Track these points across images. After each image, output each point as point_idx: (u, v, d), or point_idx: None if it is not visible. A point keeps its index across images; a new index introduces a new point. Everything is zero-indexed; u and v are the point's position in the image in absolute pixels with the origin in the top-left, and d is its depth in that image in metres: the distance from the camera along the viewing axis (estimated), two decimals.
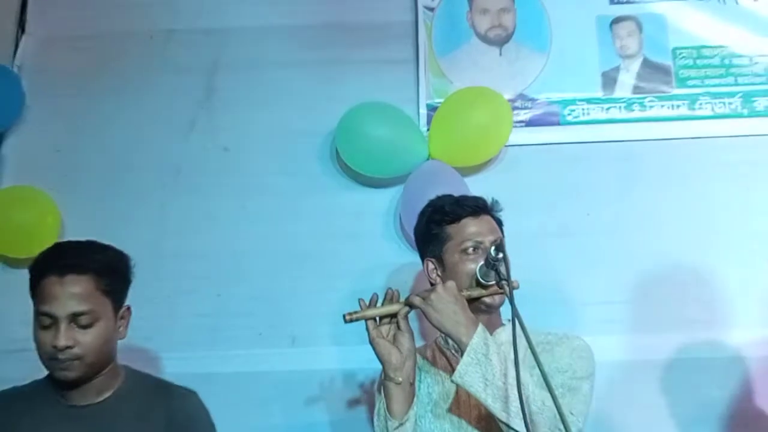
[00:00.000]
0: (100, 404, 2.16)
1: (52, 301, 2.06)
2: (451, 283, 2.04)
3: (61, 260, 2.11)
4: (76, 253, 2.14)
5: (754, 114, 3.16)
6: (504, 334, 2.17)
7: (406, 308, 2.07)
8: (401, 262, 3.01)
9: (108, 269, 2.15)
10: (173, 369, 2.63)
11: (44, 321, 2.07)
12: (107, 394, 2.18)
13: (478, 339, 1.93)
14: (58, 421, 2.14)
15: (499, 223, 2.31)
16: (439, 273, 2.23)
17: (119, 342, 2.24)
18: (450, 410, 2.12)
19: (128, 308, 2.23)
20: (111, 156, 3.27)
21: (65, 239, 2.84)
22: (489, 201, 2.31)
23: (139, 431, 2.16)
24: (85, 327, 2.07)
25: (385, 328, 2.09)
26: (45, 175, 3.20)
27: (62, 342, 2.04)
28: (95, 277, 2.10)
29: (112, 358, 2.20)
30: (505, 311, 2.06)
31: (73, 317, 2.06)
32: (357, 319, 2.06)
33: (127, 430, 2.16)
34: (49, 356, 2.07)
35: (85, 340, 2.07)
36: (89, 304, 2.08)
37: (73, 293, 2.06)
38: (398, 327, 2.08)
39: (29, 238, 2.93)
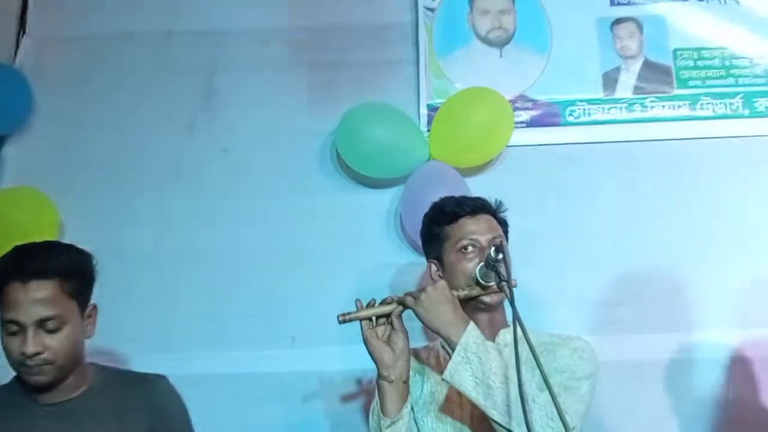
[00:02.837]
0: (74, 400, 2.16)
1: (17, 308, 2.02)
2: (441, 283, 2.05)
3: (23, 266, 2.06)
4: (39, 257, 2.10)
5: (755, 115, 3.16)
6: (508, 335, 2.16)
7: (400, 308, 2.08)
8: (402, 262, 3.02)
9: (71, 271, 2.11)
10: (172, 370, 2.62)
11: (11, 328, 2.04)
12: (80, 391, 2.18)
13: (467, 337, 1.93)
14: (34, 420, 2.13)
15: (503, 224, 2.31)
16: (441, 274, 2.24)
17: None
18: (450, 412, 2.12)
19: (94, 306, 2.21)
20: (110, 157, 3.27)
21: (64, 240, 2.85)
22: (492, 201, 2.31)
23: (118, 423, 2.16)
24: (52, 331, 2.05)
25: (380, 329, 2.10)
26: (44, 175, 3.19)
27: (30, 349, 2.02)
28: (59, 280, 2.07)
29: (82, 358, 2.19)
30: (509, 312, 2.06)
31: (40, 323, 2.03)
32: (351, 320, 2.07)
33: (105, 423, 2.15)
34: (18, 363, 2.05)
35: (54, 344, 2.05)
36: (55, 308, 2.05)
37: (37, 299, 2.03)
38: (392, 326, 2.09)
39: (28, 239, 2.91)
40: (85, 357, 2.22)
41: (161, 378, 2.30)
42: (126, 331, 2.87)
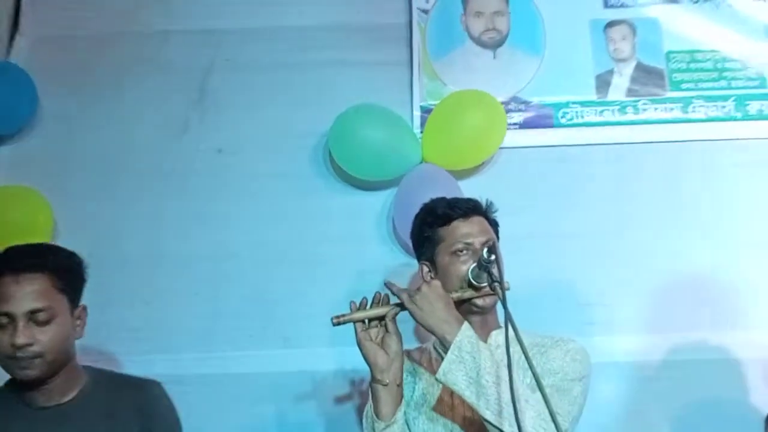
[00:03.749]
0: (66, 404, 2.17)
1: (9, 299, 2.06)
2: (436, 282, 2.05)
3: (15, 260, 2.12)
4: (30, 253, 2.15)
5: (747, 117, 3.17)
6: (500, 336, 2.15)
7: (394, 310, 2.08)
8: (394, 264, 3.02)
9: (62, 267, 2.16)
10: (166, 370, 2.62)
11: (1, 321, 2.06)
12: (72, 394, 2.19)
13: (462, 337, 1.93)
14: (26, 424, 2.14)
15: (494, 224, 2.32)
16: (433, 276, 2.23)
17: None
18: (442, 412, 2.12)
19: (84, 307, 2.23)
20: (104, 156, 3.27)
21: (57, 239, 2.86)
22: (483, 203, 2.31)
23: (109, 428, 2.17)
24: (42, 324, 2.08)
25: (373, 331, 2.10)
26: (38, 174, 3.18)
27: (21, 340, 2.04)
28: (50, 275, 2.12)
29: (71, 357, 2.21)
30: (502, 313, 2.06)
31: (31, 315, 2.07)
32: (345, 322, 2.07)
33: (97, 427, 2.16)
34: (8, 356, 2.07)
35: (44, 338, 2.08)
36: (46, 300, 2.09)
37: (29, 291, 2.07)
38: (386, 329, 2.09)
39: (21, 238, 2.90)
40: (77, 359, 2.23)
41: (155, 384, 2.31)
42: (119, 331, 2.88)
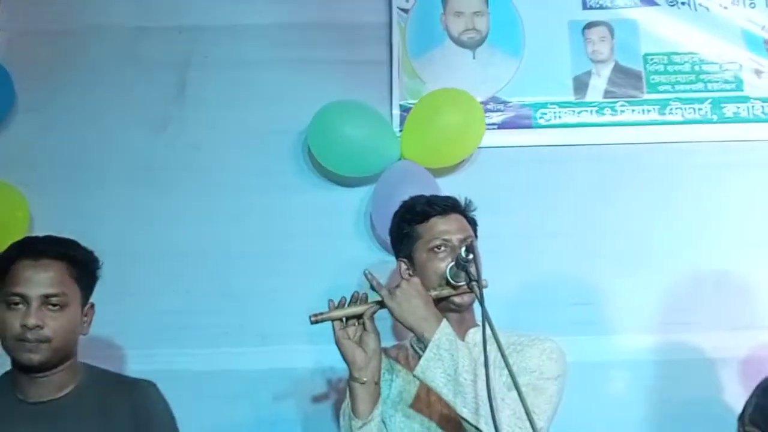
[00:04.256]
0: (61, 400, 2.17)
1: (26, 282, 2.10)
2: (415, 279, 2.06)
3: (35, 246, 2.18)
4: (51, 242, 2.21)
5: (723, 120, 3.20)
6: (478, 334, 2.16)
7: (372, 308, 2.09)
8: (372, 261, 3.00)
9: (79, 260, 2.21)
10: (139, 366, 2.62)
11: (14, 300, 2.10)
12: (67, 390, 2.18)
13: (440, 334, 1.94)
14: (20, 418, 2.14)
15: (473, 223, 2.33)
16: (411, 273, 2.24)
17: (85, 338, 2.24)
18: (419, 409, 2.13)
19: (92, 305, 2.27)
20: (81, 152, 3.24)
21: (33, 234, 2.83)
22: (462, 201, 2.32)
23: (102, 426, 2.17)
24: (55, 310, 2.11)
25: (351, 329, 2.11)
26: (15, 169, 3.15)
27: (32, 321, 2.07)
28: (68, 264, 2.17)
29: (74, 353, 2.22)
30: (479, 311, 2.07)
31: (45, 299, 2.10)
32: (323, 320, 2.08)
33: (90, 426, 2.16)
34: (16, 337, 2.09)
35: (54, 323, 2.11)
36: (61, 287, 2.13)
37: (46, 276, 2.13)
38: (364, 327, 2.09)
39: None
40: (78, 355, 2.25)
41: (151, 385, 2.31)
42: (93, 327, 2.86)
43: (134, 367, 2.66)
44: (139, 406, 2.23)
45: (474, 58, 3.30)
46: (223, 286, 3.06)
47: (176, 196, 3.18)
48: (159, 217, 3.15)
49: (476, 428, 1.88)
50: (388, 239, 2.42)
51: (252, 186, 3.16)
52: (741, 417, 2.27)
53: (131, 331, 2.98)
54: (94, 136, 3.26)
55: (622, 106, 3.22)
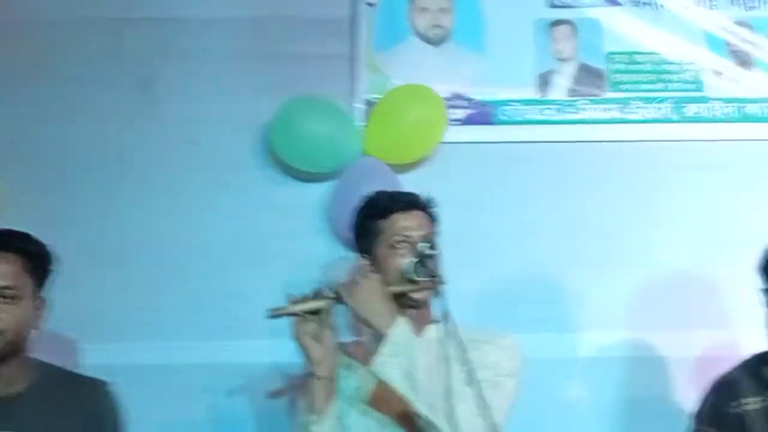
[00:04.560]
0: (13, 396, 2.14)
1: None
2: (374, 276, 2.06)
3: None
4: (6, 235, 2.20)
5: (683, 120, 3.23)
6: (435, 330, 2.18)
7: (331, 304, 2.08)
8: (333, 257, 3.01)
9: (35, 254, 2.19)
10: (95, 360, 2.60)
11: None
12: (19, 387, 2.16)
13: (398, 331, 1.94)
14: None
15: (434, 220, 2.32)
16: (371, 268, 2.23)
17: (41, 331, 2.22)
18: (375, 406, 2.12)
19: (44, 300, 2.23)
20: (53, 144, 3.21)
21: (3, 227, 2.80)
22: (423, 197, 2.32)
23: (54, 424, 2.14)
24: (8, 303, 2.09)
25: (310, 325, 2.09)
26: None
27: None
28: (23, 257, 2.15)
29: (25, 347, 2.19)
30: (437, 308, 2.08)
31: None
32: (281, 315, 2.06)
33: (41, 424, 2.13)
34: None
35: (7, 316, 2.08)
36: (15, 280, 2.12)
37: (1, 268, 2.10)
38: (323, 323, 2.08)
39: None
40: (29, 351, 2.22)
41: (104, 384, 2.29)
42: (57, 321, 2.82)
43: (90, 361, 2.63)
44: (92, 406, 2.22)
45: (439, 54, 3.31)
46: (184, 281, 3.05)
47: (138, 191, 3.16)
48: (123, 210, 3.14)
49: (433, 424, 1.88)
50: (348, 236, 2.41)
51: (213, 180, 3.15)
52: (696, 416, 2.29)
53: (88, 325, 2.95)
54: (65, 130, 3.22)
55: (585, 104, 3.24)
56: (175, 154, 3.20)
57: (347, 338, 2.33)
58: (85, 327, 2.94)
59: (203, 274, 3.05)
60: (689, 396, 2.50)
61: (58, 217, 3.02)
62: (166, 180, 3.17)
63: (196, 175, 3.17)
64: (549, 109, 3.25)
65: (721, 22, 3.32)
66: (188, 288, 3.04)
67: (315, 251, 3.05)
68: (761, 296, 2.19)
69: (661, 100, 3.23)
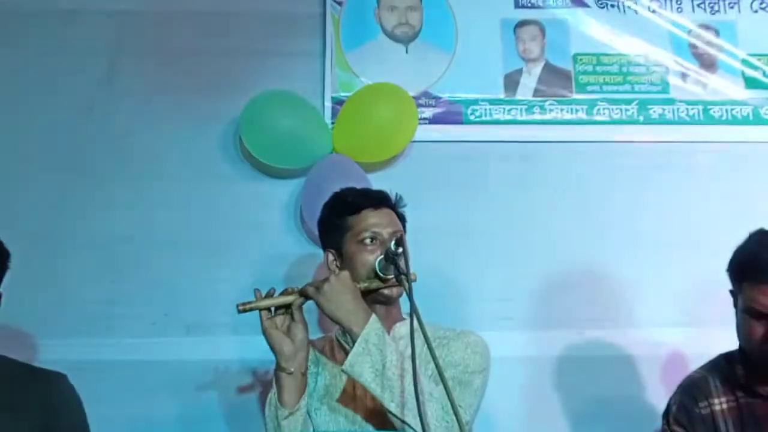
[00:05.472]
0: None
1: None
2: (344, 273, 2.06)
3: None
4: None
5: (649, 121, 3.27)
6: (404, 328, 2.19)
7: (301, 299, 2.07)
8: (300, 253, 3.02)
9: None
10: (60, 355, 2.57)
11: None
12: None
13: (369, 329, 1.95)
14: None
15: (402, 218, 2.33)
16: (338, 264, 2.24)
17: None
18: (345, 403, 2.12)
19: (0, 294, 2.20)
20: (6, 137, 3.15)
21: None
22: (392, 195, 2.32)
23: (10, 418, 2.11)
24: None
25: (279, 319, 2.08)
26: None
27: None
28: None
29: None
30: (405, 306, 2.08)
31: None
32: (250, 309, 2.05)
33: None
34: None
35: None
36: None
37: None
38: (292, 318, 2.07)
39: None
40: None
41: (61, 376, 2.27)
42: (15, 315, 2.79)
43: (52, 357, 2.60)
44: (51, 399, 2.19)
45: (407, 52, 3.31)
46: (149, 276, 3.02)
47: (103, 184, 3.12)
48: (85, 203, 3.10)
49: (403, 422, 1.89)
50: (316, 232, 2.41)
51: (181, 175, 3.12)
52: (664, 416, 2.31)
53: (52, 320, 2.93)
54: (20, 121, 3.17)
55: (551, 105, 3.27)
56: (139, 148, 3.17)
57: (315, 334, 2.33)
58: (49, 322, 2.92)
59: (170, 269, 3.02)
60: (656, 395, 2.53)
61: (10, 210, 2.98)
62: (131, 174, 3.14)
63: (164, 169, 3.14)
64: (516, 109, 3.26)
65: (686, 24, 3.37)
66: (154, 283, 3.01)
67: (284, 247, 3.04)
68: (731, 297, 2.20)
69: (628, 102, 3.27)
